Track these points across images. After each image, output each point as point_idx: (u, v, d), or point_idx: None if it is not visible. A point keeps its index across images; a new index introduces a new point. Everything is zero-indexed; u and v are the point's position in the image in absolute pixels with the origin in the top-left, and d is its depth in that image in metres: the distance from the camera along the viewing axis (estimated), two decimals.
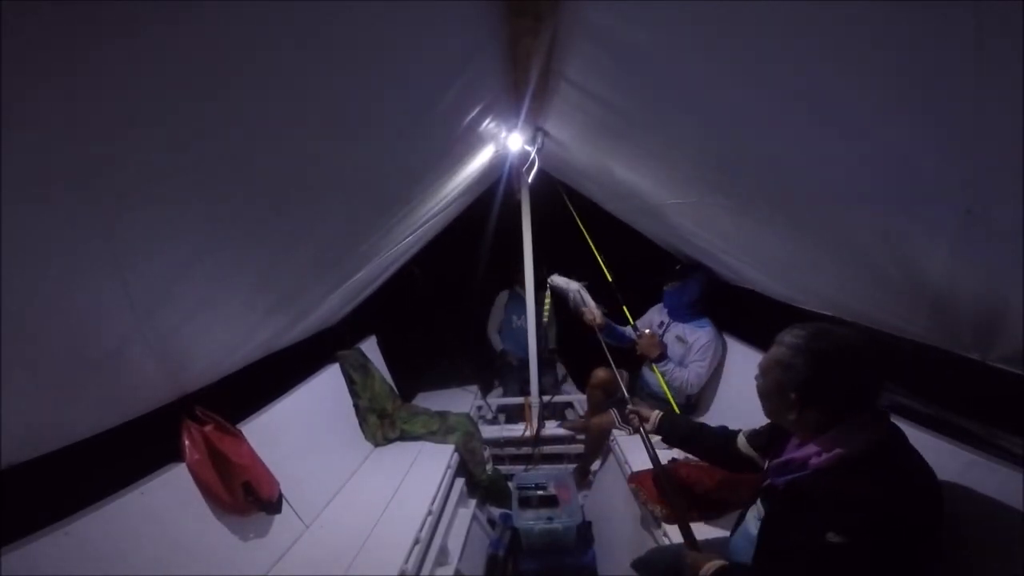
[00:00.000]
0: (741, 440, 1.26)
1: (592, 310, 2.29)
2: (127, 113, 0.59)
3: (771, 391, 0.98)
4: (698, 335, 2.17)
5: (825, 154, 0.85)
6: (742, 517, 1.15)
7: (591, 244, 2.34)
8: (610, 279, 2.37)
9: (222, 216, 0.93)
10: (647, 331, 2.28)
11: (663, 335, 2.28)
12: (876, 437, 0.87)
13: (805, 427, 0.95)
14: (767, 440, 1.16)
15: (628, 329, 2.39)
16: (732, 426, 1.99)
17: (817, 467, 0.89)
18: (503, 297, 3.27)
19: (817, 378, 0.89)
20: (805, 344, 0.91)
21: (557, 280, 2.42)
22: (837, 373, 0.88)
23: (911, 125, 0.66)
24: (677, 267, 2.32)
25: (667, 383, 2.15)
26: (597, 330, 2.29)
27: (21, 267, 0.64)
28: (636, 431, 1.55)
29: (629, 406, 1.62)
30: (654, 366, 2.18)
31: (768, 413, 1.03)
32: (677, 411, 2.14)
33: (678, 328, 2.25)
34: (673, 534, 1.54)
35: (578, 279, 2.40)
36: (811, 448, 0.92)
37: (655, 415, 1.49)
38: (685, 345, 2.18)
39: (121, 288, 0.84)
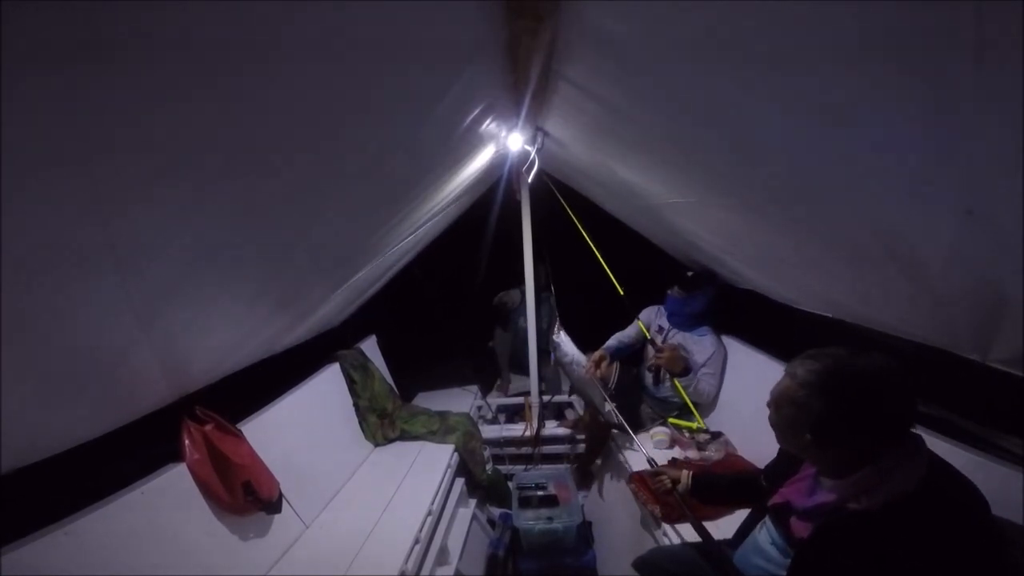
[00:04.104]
0: (762, 482, 1.21)
1: (597, 366, 2.20)
2: (129, 113, 0.59)
3: (784, 427, 0.90)
4: (701, 344, 2.16)
5: (825, 154, 0.85)
6: (746, 528, 1.15)
7: (600, 259, 2.29)
8: (621, 292, 2.30)
9: (225, 216, 0.93)
10: (668, 345, 2.19)
11: (663, 342, 2.26)
12: (920, 473, 0.78)
13: (827, 465, 0.88)
14: (778, 464, 1.14)
15: (629, 332, 2.38)
16: (732, 426, 2.01)
17: (858, 512, 0.81)
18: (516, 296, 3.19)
19: (834, 420, 0.81)
20: (820, 382, 0.82)
21: (563, 340, 2.27)
22: (857, 414, 0.80)
23: (911, 125, 0.66)
24: (689, 273, 2.23)
25: (687, 396, 2.13)
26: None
27: (23, 269, 0.64)
28: (668, 493, 1.47)
29: (654, 466, 1.59)
30: (676, 381, 2.13)
31: (783, 446, 0.96)
32: (699, 420, 2.12)
33: (679, 336, 2.23)
34: (673, 534, 1.54)
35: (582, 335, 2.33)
36: (845, 490, 0.84)
37: (686, 476, 1.43)
38: (689, 354, 2.17)
39: (123, 288, 0.84)
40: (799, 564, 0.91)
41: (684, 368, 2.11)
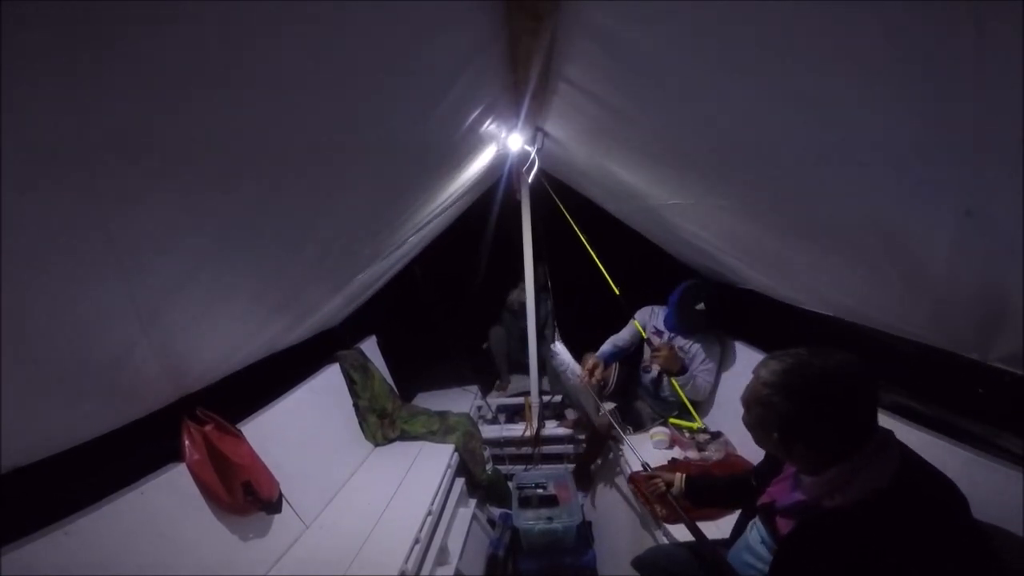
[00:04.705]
0: (752, 481, 1.21)
1: (591, 373, 2.20)
2: (131, 114, 0.59)
3: (754, 427, 0.93)
4: (698, 345, 2.17)
5: (824, 154, 0.85)
6: (740, 527, 1.15)
7: (595, 258, 2.28)
8: (616, 292, 2.28)
9: (226, 217, 0.93)
10: (664, 344, 2.18)
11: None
12: (892, 469, 0.79)
13: (800, 463, 0.89)
14: (766, 463, 1.15)
15: (624, 336, 2.38)
16: (732, 426, 2.01)
17: (832, 510, 0.82)
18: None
19: (797, 418, 0.83)
20: (781, 381, 0.84)
21: (559, 349, 2.27)
22: (818, 412, 0.81)
23: (911, 125, 0.66)
24: (699, 307, 2.12)
25: (685, 394, 2.12)
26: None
27: (24, 269, 0.64)
28: (662, 496, 1.47)
29: (648, 469, 1.58)
30: (674, 380, 2.13)
31: (760, 446, 0.98)
32: (697, 420, 2.09)
33: (677, 340, 2.22)
34: (673, 534, 1.54)
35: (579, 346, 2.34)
36: (818, 488, 0.85)
37: (679, 479, 1.44)
38: (687, 355, 2.17)
39: (125, 290, 0.84)
40: (779, 563, 0.92)
41: (681, 367, 2.11)
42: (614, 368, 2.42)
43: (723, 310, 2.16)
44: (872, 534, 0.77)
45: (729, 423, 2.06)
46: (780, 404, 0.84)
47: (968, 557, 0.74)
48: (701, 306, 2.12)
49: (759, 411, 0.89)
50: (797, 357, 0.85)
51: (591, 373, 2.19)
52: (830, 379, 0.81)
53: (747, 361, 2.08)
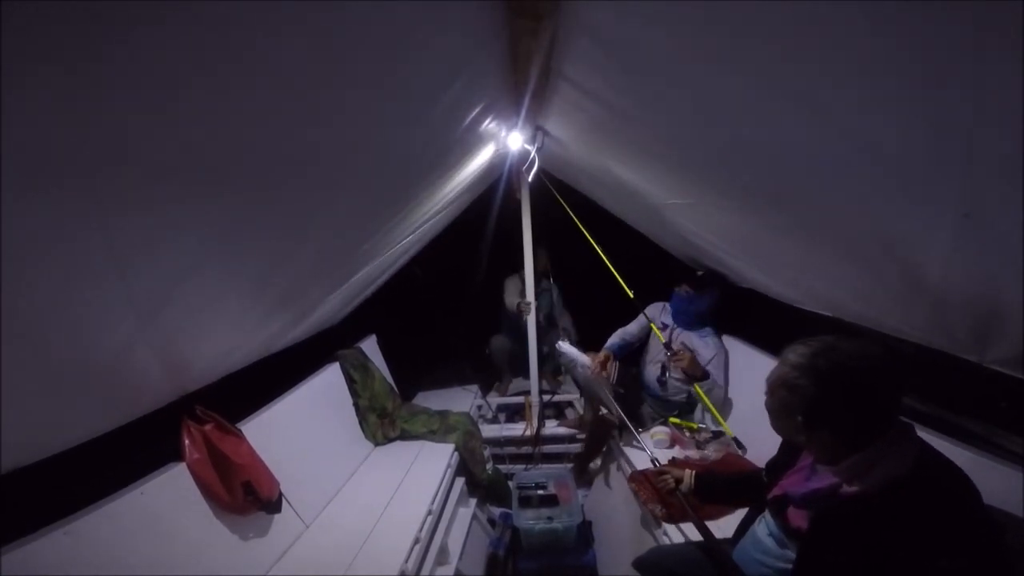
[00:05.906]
0: (763, 477, 1.19)
1: (603, 366, 2.22)
2: (128, 113, 0.59)
3: (778, 411, 0.92)
4: (705, 345, 2.16)
5: (824, 155, 0.85)
6: (746, 524, 1.15)
7: (605, 260, 2.27)
8: (631, 295, 2.26)
9: (224, 216, 0.93)
10: (683, 348, 2.14)
11: (667, 340, 2.24)
12: (911, 458, 0.79)
13: (821, 450, 0.89)
14: (779, 458, 1.13)
15: (631, 330, 2.38)
16: (733, 426, 2.01)
17: (853, 497, 0.82)
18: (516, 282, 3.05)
19: (823, 401, 0.82)
20: (809, 363, 0.84)
21: (565, 348, 2.31)
22: (844, 396, 0.81)
23: (910, 127, 0.66)
24: (699, 273, 2.21)
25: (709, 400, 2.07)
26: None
27: (22, 268, 0.64)
28: (671, 493, 1.45)
29: (658, 465, 1.59)
30: (697, 386, 2.07)
31: (778, 432, 0.97)
32: (726, 429, 2.01)
33: (684, 335, 2.22)
34: (673, 534, 1.54)
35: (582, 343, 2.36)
36: (839, 474, 0.85)
37: (688, 476, 1.43)
38: (697, 354, 2.15)
39: (123, 289, 0.84)
40: (804, 557, 0.91)
41: (703, 372, 2.08)
42: (615, 366, 2.41)
43: (724, 290, 2.18)
44: (893, 520, 0.77)
45: (730, 423, 2.04)
46: (807, 387, 0.84)
47: (987, 543, 0.75)
48: (700, 273, 2.18)
49: (784, 394, 0.88)
50: (824, 342, 0.86)
51: (603, 365, 2.19)
52: (858, 364, 0.81)
53: (748, 362, 2.07)
